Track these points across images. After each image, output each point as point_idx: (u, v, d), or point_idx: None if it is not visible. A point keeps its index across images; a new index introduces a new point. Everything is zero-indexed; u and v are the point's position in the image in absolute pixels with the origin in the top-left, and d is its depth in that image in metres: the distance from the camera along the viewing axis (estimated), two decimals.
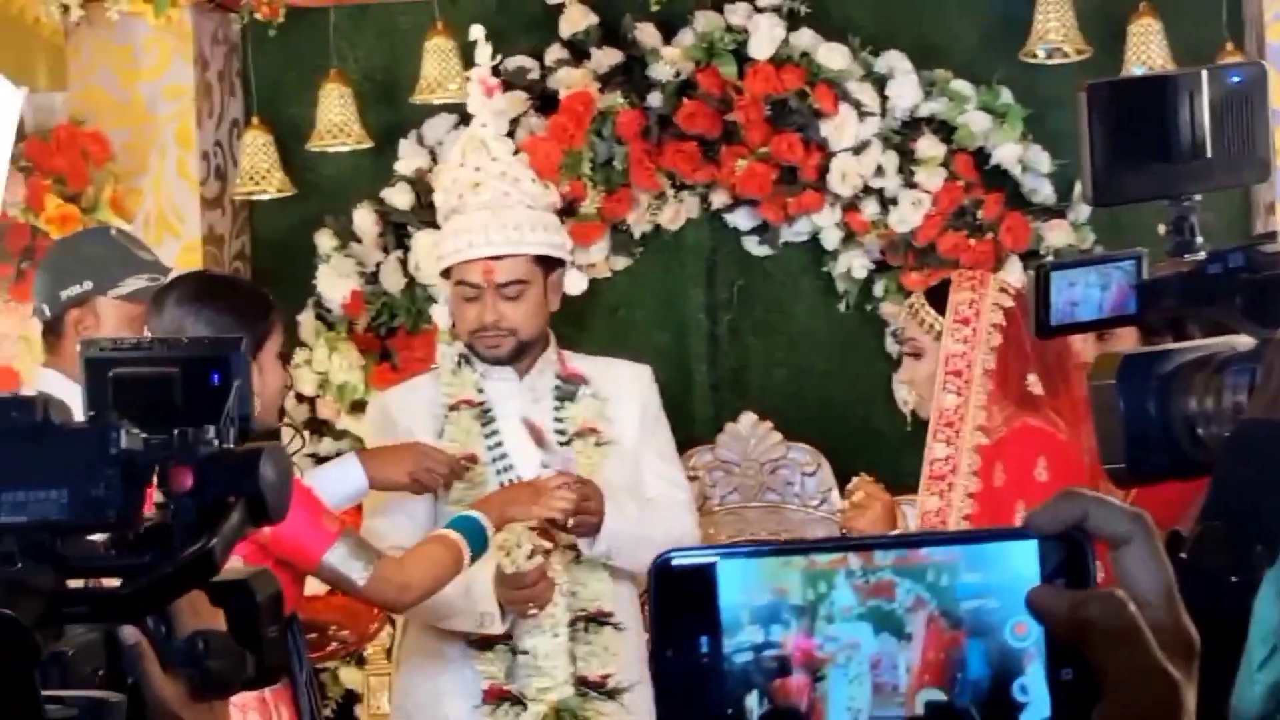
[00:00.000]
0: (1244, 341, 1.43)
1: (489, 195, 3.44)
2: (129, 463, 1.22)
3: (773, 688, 0.74)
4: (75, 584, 1.25)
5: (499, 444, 3.42)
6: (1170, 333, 2.41)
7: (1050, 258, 4.55)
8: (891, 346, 4.72)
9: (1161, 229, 1.51)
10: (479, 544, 3.16)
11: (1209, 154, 1.49)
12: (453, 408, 3.43)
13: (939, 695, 0.74)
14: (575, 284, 4.57)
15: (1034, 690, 0.74)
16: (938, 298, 3.29)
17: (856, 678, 0.74)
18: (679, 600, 0.75)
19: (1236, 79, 1.50)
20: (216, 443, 1.28)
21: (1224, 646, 1.44)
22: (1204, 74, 1.50)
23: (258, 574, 1.34)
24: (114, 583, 1.25)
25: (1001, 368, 3.20)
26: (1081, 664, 0.73)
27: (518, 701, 3.34)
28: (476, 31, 3.57)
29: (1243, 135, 1.50)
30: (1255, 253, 1.49)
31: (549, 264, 3.46)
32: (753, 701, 0.74)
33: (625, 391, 3.56)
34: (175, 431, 1.28)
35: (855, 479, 3.57)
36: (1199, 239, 1.53)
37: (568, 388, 3.52)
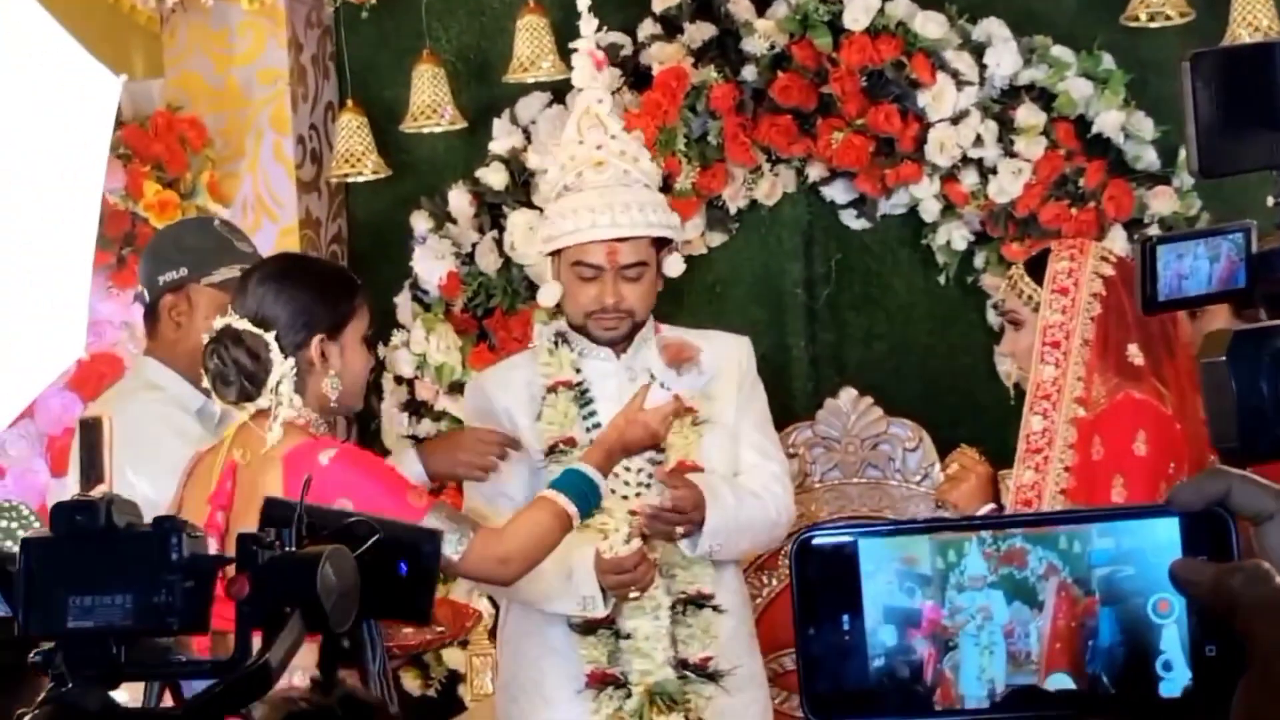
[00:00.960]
0: None
1: (610, 174, 3.42)
2: (191, 568, 1.21)
3: (906, 659, 0.75)
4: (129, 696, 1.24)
5: (596, 425, 3.39)
6: (1265, 308, 2.34)
7: (1155, 226, 4.47)
8: (993, 319, 4.65)
9: (1270, 200, 1.46)
10: (588, 500, 3.04)
11: None
12: (550, 389, 3.42)
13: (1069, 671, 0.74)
14: (674, 266, 4.53)
15: (1176, 666, 0.74)
16: (1037, 268, 3.24)
17: (989, 646, 0.74)
18: (820, 579, 0.76)
19: None
20: (278, 545, 1.26)
21: None
22: None
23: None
24: None
25: (1101, 337, 3.14)
26: (1226, 639, 0.73)
27: (621, 685, 3.33)
28: (583, 3, 3.54)
29: None
30: None
31: (660, 243, 3.45)
32: (891, 671, 0.75)
33: (725, 363, 3.52)
34: (238, 535, 1.27)
35: (955, 451, 3.52)
36: None
37: (673, 365, 3.46)
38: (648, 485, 3.36)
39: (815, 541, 0.77)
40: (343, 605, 1.27)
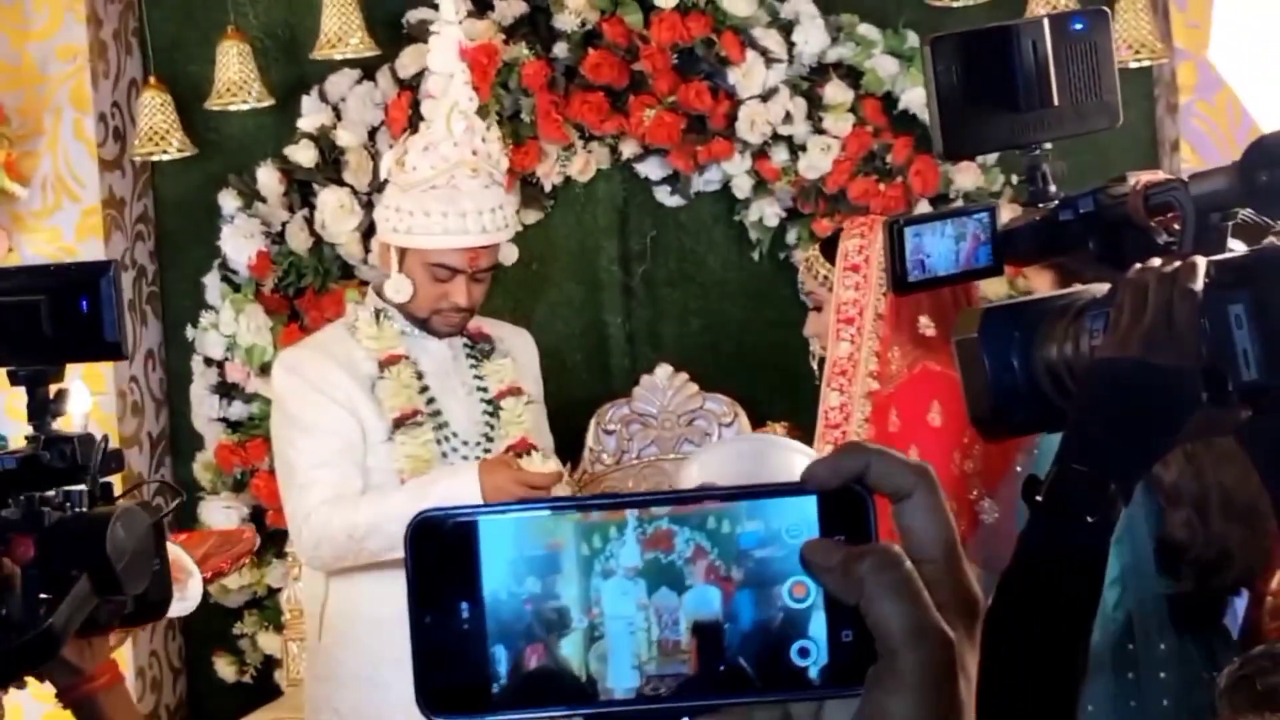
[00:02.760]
0: (1101, 288, 1.41)
1: (480, 179, 3.43)
2: None
3: (542, 648, 0.71)
4: None
5: (431, 399, 3.40)
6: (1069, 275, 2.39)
7: (960, 200, 4.53)
8: None
9: (1013, 179, 1.49)
10: None
11: (1055, 102, 1.47)
12: (384, 363, 3.39)
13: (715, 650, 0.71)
14: (509, 255, 4.53)
15: (815, 653, 0.71)
16: (832, 249, 3.27)
17: (637, 633, 0.71)
18: (439, 561, 0.72)
19: (1079, 26, 1.47)
20: (68, 506, 1.21)
21: (1084, 587, 1.43)
22: (1045, 22, 1.48)
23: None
24: None
25: (894, 311, 3.18)
26: (862, 624, 0.70)
27: None
28: None
29: (1088, 82, 1.47)
30: (1104, 196, 1.47)
31: None
32: (519, 663, 0.71)
33: (521, 355, 3.62)
34: (23, 496, 1.21)
35: (766, 427, 3.56)
36: (1053, 187, 1.51)
37: (481, 347, 3.54)
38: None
39: (433, 521, 0.73)
40: (135, 566, 1.23)
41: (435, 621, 0.71)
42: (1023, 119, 1.47)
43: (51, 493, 1.25)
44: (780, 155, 4.61)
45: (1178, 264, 1.26)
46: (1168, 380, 1.23)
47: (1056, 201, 1.46)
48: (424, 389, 3.42)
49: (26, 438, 1.39)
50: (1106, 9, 1.52)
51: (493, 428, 3.46)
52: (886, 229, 1.49)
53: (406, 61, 4.61)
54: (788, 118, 4.58)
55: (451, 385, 3.47)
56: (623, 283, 4.83)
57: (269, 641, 4.70)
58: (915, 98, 4.55)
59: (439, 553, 0.72)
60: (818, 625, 0.71)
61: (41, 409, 1.39)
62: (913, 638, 0.69)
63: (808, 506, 0.72)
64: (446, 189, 3.38)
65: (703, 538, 0.71)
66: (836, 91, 4.56)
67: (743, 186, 4.69)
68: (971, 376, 1.50)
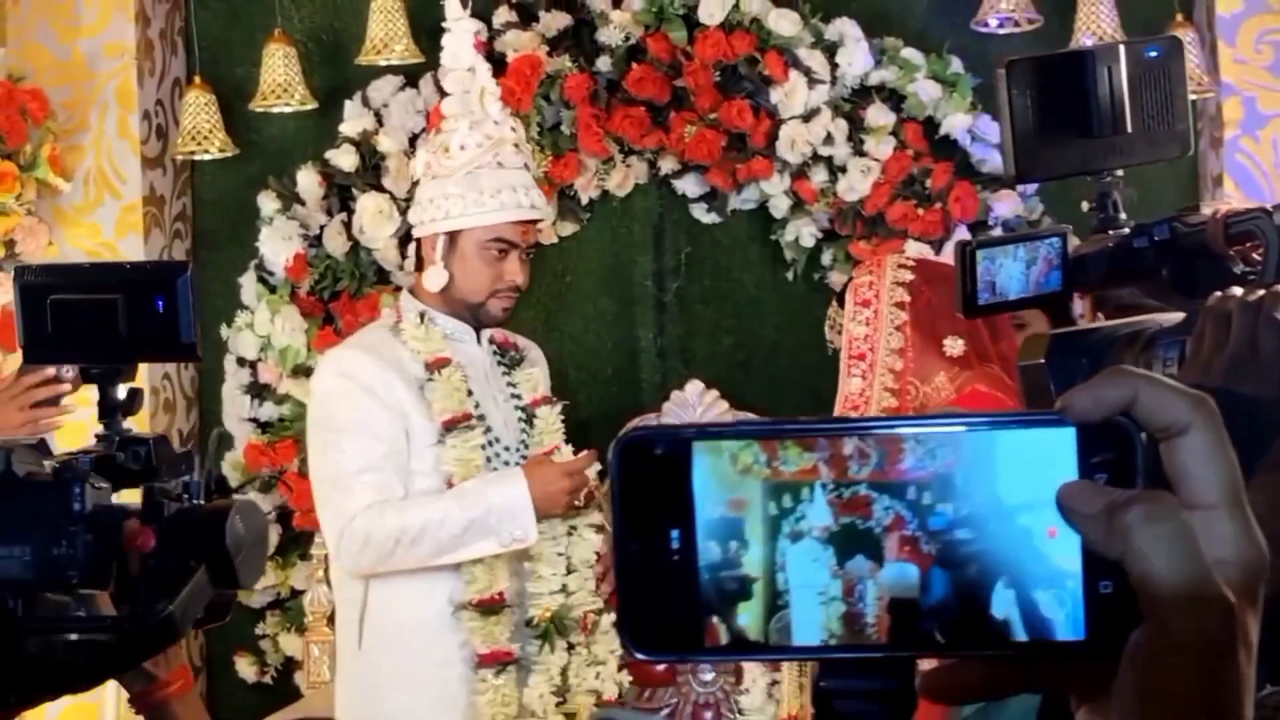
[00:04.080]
0: (1170, 318, 1.41)
1: (522, 158, 3.49)
2: (94, 520, 1.16)
3: (732, 611, 0.65)
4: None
5: (476, 404, 3.41)
6: (1096, 310, 2.39)
7: (999, 228, 4.53)
8: None
9: (1085, 205, 1.49)
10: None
11: (1128, 129, 1.47)
12: (433, 366, 3.39)
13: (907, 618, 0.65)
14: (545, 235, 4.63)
15: (1068, 605, 0.64)
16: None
17: (828, 603, 0.65)
18: (646, 486, 0.66)
19: (1154, 53, 1.47)
20: (186, 498, 1.22)
21: None
22: (1121, 48, 1.48)
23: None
24: None
25: (915, 341, 3.16)
26: (1124, 579, 0.62)
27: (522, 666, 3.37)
28: None
29: (1161, 109, 1.48)
30: (1179, 224, 1.47)
31: None
32: (714, 623, 0.65)
33: (540, 364, 3.66)
34: (143, 486, 1.22)
35: None
36: (1123, 214, 1.51)
37: (511, 355, 3.56)
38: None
39: (641, 440, 0.66)
40: (252, 559, 1.24)
41: (643, 551, 0.66)
42: (1095, 145, 1.47)
43: (170, 484, 1.26)
44: (819, 176, 4.61)
45: (1262, 293, 1.26)
46: (1250, 409, 1.23)
47: (1128, 228, 1.46)
48: (469, 392, 3.43)
49: (97, 436, 1.39)
50: (1180, 37, 1.52)
51: (529, 435, 3.49)
52: (958, 251, 1.49)
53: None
54: (828, 139, 4.58)
55: (491, 391, 3.49)
56: (656, 298, 4.84)
57: (290, 643, 4.70)
58: (957, 123, 4.55)
59: (648, 476, 0.66)
60: (1072, 576, 0.64)
61: (113, 408, 1.40)
62: (1187, 601, 0.61)
63: (1064, 440, 0.65)
64: (492, 168, 3.42)
65: (902, 507, 0.65)
66: (878, 114, 4.56)
67: (780, 206, 4.70)
68: (1037, 402, 1.50)
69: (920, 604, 0.65)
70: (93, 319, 1.46)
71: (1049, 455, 0.64)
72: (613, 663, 3.50)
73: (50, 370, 3.03)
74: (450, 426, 3.35)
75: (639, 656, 0.66)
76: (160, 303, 1.44)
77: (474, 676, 3.35)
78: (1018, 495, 0.64)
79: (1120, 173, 1.48)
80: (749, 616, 0.66)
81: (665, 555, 0.65)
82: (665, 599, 0.66)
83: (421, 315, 3.43)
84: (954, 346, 3.14)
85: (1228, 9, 4.26)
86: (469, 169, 3.42)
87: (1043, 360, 1.46)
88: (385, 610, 3.38)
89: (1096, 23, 4.28)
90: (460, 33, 3.54)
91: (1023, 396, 1.52)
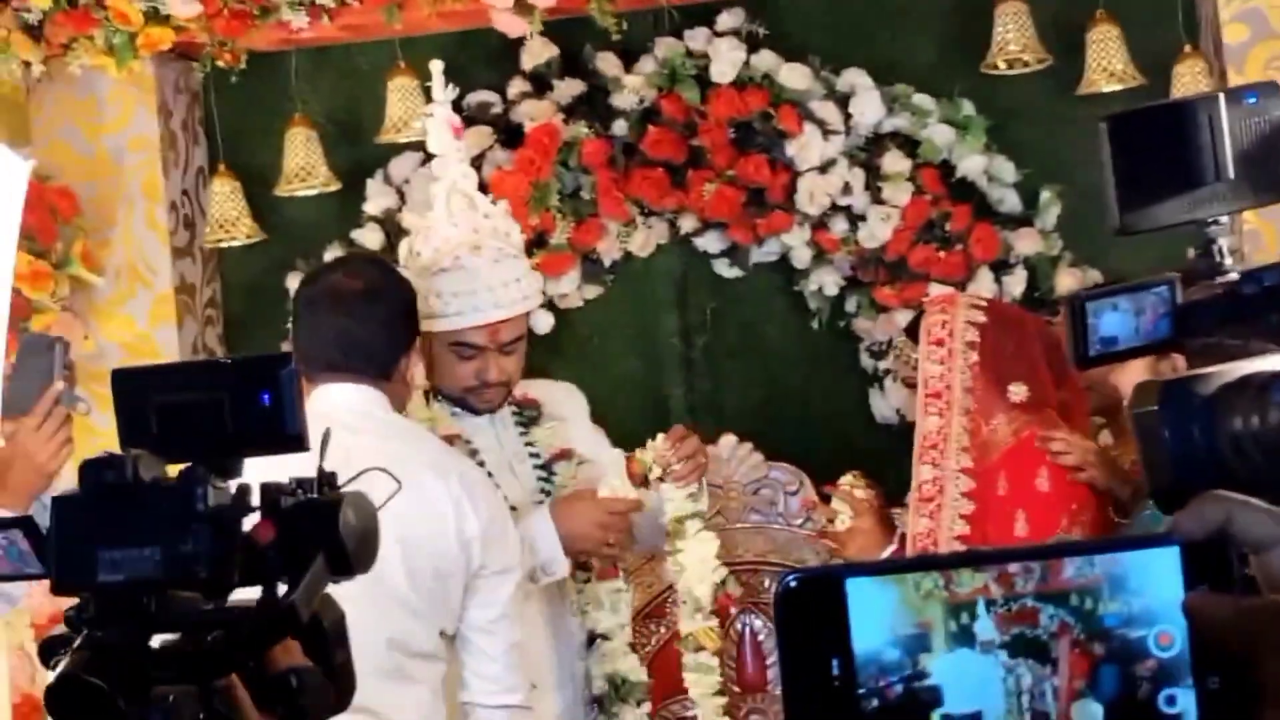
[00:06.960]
0: (1274, 360, 1.45)
1: (486, 255, 3.35)
2: (217, 517, 1.24)
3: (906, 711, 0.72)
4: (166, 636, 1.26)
5: (489, 475, 3.41)
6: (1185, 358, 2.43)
7: (1020, 267, 4.59)
8: (867, 362, 4.75)
9: (1191, 252, 1.53)
10: None
11: (1231, 175, 1.51)
12: (445, 440, 3.41)
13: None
14: (542, 323, 4.58)
15: (1181, 700, 0.73)
16: (915, 332, 3.34)
17: (1011, 709, 0.72)
18: (806, 622, 0.73)
19: (1252, 99, 1.52)
20: (300, 493, 1.29)
21: None
22: (1221, 97, 1.52)
23: (322, 600, 1.33)
24: None
25: (984, 383, 3.22)
26: (1229, 671, 0.71)
27: None
28: (436, 67, 3.45)
29: (1261, 154, 1.52)
30: None
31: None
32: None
33: (568, 409, 3.58)
34: (261, 484, 1.29)
35: (838, 490, 3.59)
36: (1229, 260, 1.55)
37: (528, 414, 3.53)
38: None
39: (797, 584, 0.75)
40: (364, 547, 1.30)
41: (805, 678, 0.72)
42: (1197, 194, 1.52)
43: (286, 479, 1.33)
44: (839, 225, 4.66)
45: None
46: None
47: (1236, 274, 1.50)
48: (480, 464, 3.44)
49: None
50: (1279, 83, 1.57)
51: (548, 493, 3.46)
52: (1068, 305, 1.53)
53: (468, 142, 4.68)
54: (846, 188, 4.64)
55: (505, 459, 3.49)
56: (683, 355, 4.88)
57: None
58: (972, 165, 4.61)
59: (808, 611, 0.74)
60: (1183, 673, 0.73)
61: None
62: None
63: (1169, 557, 0.74)
64: (455, 270, 3.32)
65: (1066, 614, 0.74)
66: (894, 161, 4.62)
67: (802, 257, 4.75)
68: (1151, 449, 1.52)
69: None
70: (199, 419, 1.49)
71: (1160, 569, 0.74)
72: None
73: (55, 404, 2.98)
74: None
75: None
76: (266, 398, 1.47)
77: None
78: (1136, 605, 0.74)
79: (1225, 219, 1.53)
80: None
81: (827, 683, 0.72)
82: None
83: (427, 394, 3.45)
84: (1018, 392, 3.20)
85: (1234, 38, 4.33)
86: (432, 271, 3.33)
87: (1155, 407, 1.50)
88: None
89: (1107, 60, 4.35)
90: (437, 118, 3.45)
91: (1138, 444, 1.55)
